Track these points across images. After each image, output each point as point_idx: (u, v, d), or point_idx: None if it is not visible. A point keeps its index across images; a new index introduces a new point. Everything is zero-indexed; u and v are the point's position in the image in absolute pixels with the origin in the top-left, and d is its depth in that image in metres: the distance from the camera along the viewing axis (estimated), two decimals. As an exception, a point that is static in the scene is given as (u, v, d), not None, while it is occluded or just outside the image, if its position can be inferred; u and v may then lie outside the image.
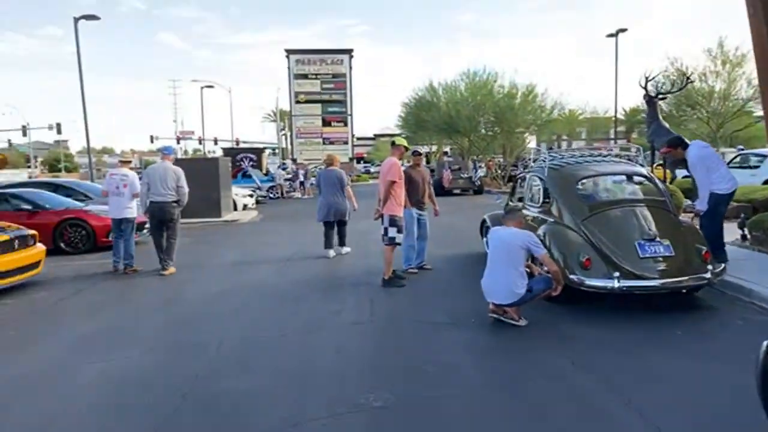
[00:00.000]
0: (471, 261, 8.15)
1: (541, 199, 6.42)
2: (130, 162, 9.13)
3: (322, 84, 50.62)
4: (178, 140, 59.11)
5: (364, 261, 8.44)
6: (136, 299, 6.72)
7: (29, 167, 68.57)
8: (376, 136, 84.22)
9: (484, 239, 8.41)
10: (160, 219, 7.95)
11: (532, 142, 35.58)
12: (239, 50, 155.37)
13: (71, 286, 7.39)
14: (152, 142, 63.27)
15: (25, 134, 57.44)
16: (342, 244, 9.34)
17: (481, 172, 25.30)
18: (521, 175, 7.31)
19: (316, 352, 4.47)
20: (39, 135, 62.92)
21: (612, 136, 49.27)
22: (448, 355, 4.32)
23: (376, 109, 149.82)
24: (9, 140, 68.03)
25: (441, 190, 22.18)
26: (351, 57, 51.68)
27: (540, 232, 5.81)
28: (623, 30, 27.43)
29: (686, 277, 5.03)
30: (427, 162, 34.58)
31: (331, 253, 8.97)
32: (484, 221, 8.35)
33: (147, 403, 3.59)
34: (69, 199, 11.52)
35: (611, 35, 27.64)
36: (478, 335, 4.82)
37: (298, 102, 50.39)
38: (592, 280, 5.09)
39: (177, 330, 5.30)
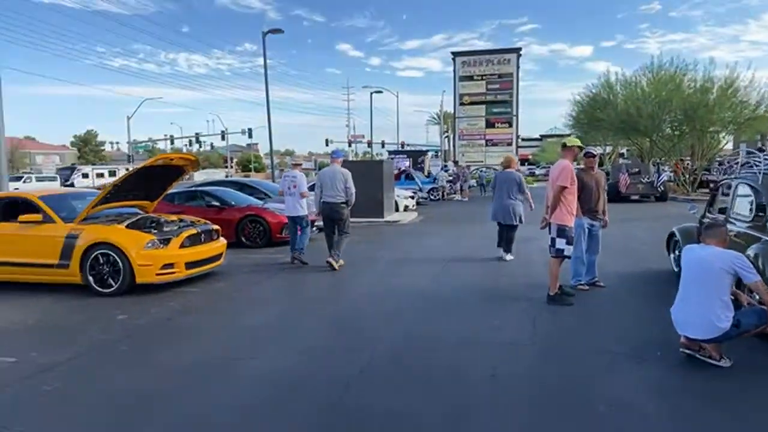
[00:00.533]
0: (652, 280, 7.11)
1: (752, 213, 5.27)
2: (300, 164, 9.81)
3: (488, 85, 49.91)
4: (350, 143, 62.81)
5: (526, 271, 7.85)
6: (300, 295, 6.99)
7: (226, 167, 78.38)
8: (543, 137, 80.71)
9: (671, 256, 7.29)
10: (331, 218, 8.44)
11: (729, 143, 30.93)
12: (407, 56, 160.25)
13: (247, 278, 7.97)
14: (327, 145, 68.15)
15: (223, 138, 65.53)
16: (507, 250, 9.00)
17: (665, 176, 22.52)
18: (724, 181, 6.12)
19: (470, 373, 4.11)
20: (235, 139, 71.40)
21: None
22: (626, 395, 3.66)
23: (544, 109, 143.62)
24: (211, 143, 78.46)
25: (617, 196, 20.24)
26: (519, 56, 50.17)
27: (750, 252, 4.77)
28: None
29: None
30: (600, 164, 31.94)
31: (502, 251, 9.00)
32: (672, 235, 7.22)
33: (296, 410, 3.57)
34: (251, 198, 12.63)
35: None
36: (665, 373, 4.05)
37: (462, 104, 50.32)
38: (829, 320, 3.98)
39: (333, 331, 5.34)
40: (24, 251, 7.11)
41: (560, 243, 5.97)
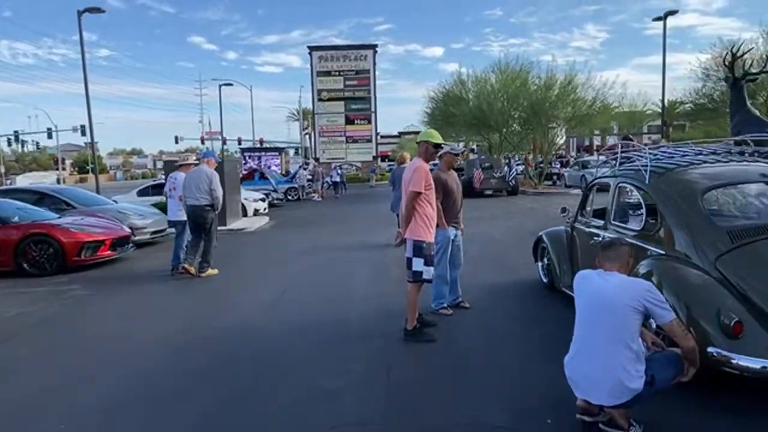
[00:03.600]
0: (524, 295, 6.17)
1: (640, 220, 4.40)
2: (189, 165, 8.46)
3: (345, 81, 49.20)
4: (202, 141, 58.37)
5: (381, 292, 6.54)
6: (60, 352, 4.91)
7: (57, 169, 68.83)
8: (401, 134, 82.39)
9: (539, 264, 6.44)
10: (195, 222, 7.94)
11: (563, 138, 33.05)
12: (266, 50, 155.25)
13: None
14: (176, 142, 62.77)
15: (50, 137, 57.47)
16: None
17: (516, 171, 23.03)
18: (598, 180, 5.29)
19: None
20: (68, 137, 62.66)
21: (645, 131, 46.30)
22: None
23: (402, 107, 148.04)
24: (37, 142, 68.41)
25: (471, 192, 20.13)
26: (375, 52, 50.06)
27: (641, 269, 3.84)
28: (672, 12, 24.85)
29: None
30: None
31: None
32: (539, 240, 6.36)
33: None
34: (42, 211, 9.89)
35: (659, 18, 25.06)
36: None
37: (321, 100, 49.00)
38: (747, 359, 3.09)
39: (99, 417, 3.47)
40: None
41: (418, 264, 4.68)
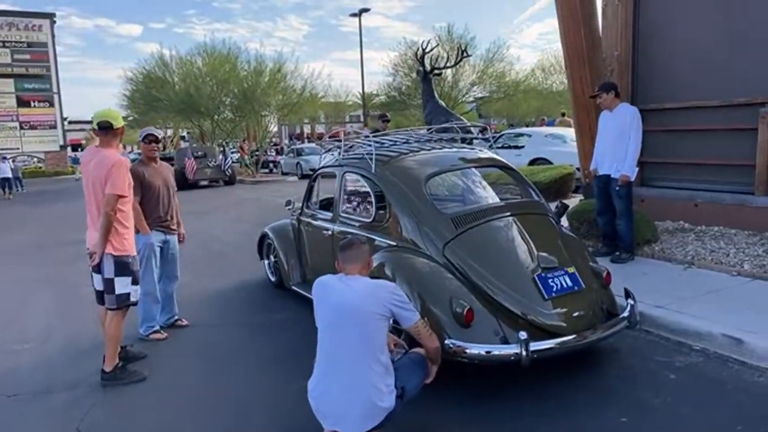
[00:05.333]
0: (250, 297, 5.56)
1: (369, 211, 4.18)
2: None
3: (14, 54, 40.24)
4: None
5: (65, 323, 5.10)
6: None
7: None
8: (97, 120, 72.35)
9: (266, 262, 5.90)
10: None
11: (275, 126, 33.51)
12: None
13: None
14: None
15: None
16: None
17: (231, 159, 22.08)
18: (323, 170, 4.95)
19: None
20: None
21: (347, 121, 50.54)
22: None
23: (95, 89, 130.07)
24: None
25: (185, 183, 18.54)
26: (53, 23, 42.21)
27: (373, 262, 3.60)
28: (366, 10, 27.17)
29: (605, 323, 3.39)
30: (163, 149, 29.59)
31: None
32: (264, 237, 5.79)
33: None
34: None
35: (355, 15, 27.14)
36: None
37: (-24, 75, 38.99)
38: (479, 347, 3.09)
39: None
40: None
41: (122, 285, 3.59)
